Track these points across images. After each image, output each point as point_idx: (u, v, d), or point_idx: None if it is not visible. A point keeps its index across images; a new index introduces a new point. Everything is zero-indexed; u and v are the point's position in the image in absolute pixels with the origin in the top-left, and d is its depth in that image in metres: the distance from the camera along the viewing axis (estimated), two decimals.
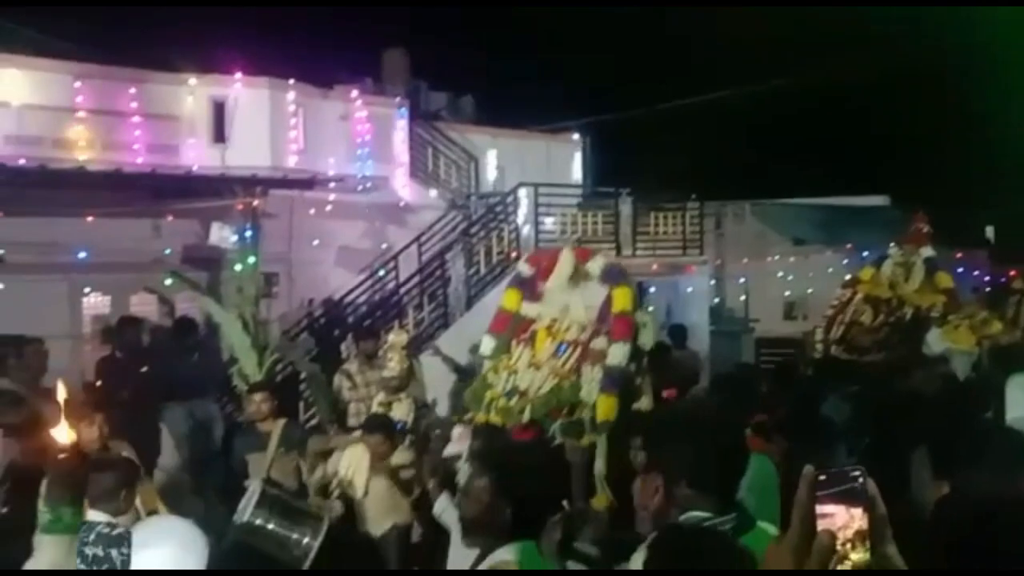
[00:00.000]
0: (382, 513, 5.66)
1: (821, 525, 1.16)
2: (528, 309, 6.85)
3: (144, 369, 7.63)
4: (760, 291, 15.90)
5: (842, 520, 1.15)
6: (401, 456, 5.78)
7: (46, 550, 2.39)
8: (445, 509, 4.65)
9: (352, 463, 5.65)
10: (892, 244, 10.27)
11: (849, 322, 9.81)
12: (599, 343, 6.33)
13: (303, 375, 9.01)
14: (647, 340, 6.63)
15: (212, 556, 3.97)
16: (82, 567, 3.74)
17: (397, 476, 5.61)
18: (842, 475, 1.18)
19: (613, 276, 6.61)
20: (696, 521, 2.45)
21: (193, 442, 7.43)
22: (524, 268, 7.17)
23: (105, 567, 3.59)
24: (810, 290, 16.35)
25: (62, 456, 2.44)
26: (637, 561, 2.49)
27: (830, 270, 16.17)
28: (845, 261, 16.29)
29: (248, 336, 8.33)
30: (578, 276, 6.68)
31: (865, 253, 15.82)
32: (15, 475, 4.96)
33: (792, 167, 18.98)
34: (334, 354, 10.33)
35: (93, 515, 3.94)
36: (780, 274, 16.33)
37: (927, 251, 9.89)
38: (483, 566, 2.69)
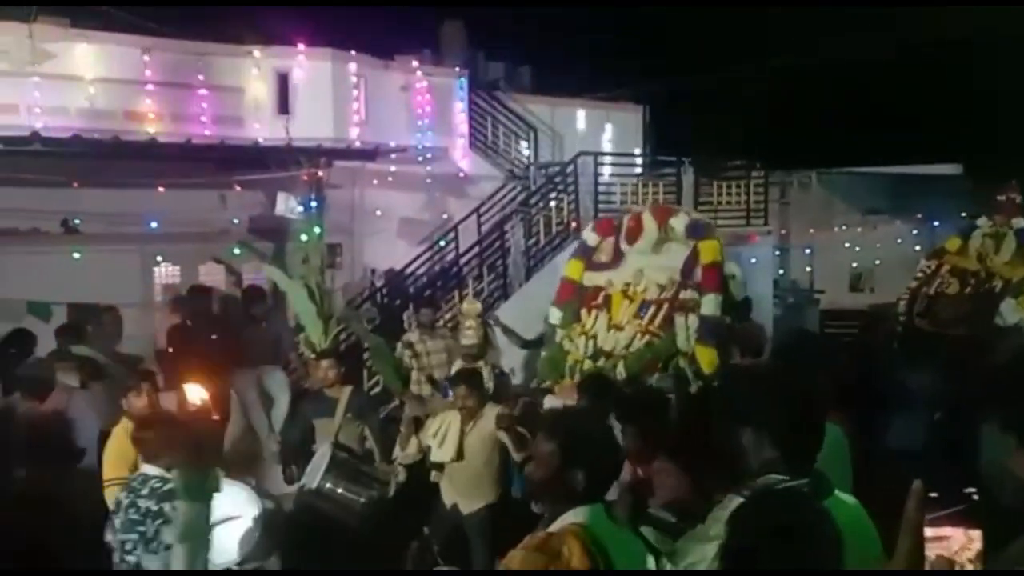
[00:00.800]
0: (475, 485, 5.54)
1: (936, 549, 1.12)
2: (594, 278, 6.87)
3: (213, 337, 7.81)
4: (826, 262, 15.58)
5: (959, 543, 1.10)
6: (491, 411, 5.62)
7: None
8: None
9: (442, 424, 5.59)
10: (982, 216, 9.92)
11: (934, 294, 9.56)
12: (688, 295, 6.35)
13: (366, 344, 9.13)
14: (737, 292, 6.61)
15: (276, 518, 4.09)
16: (136, 518, 3.89)
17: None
18: (956, 495, 1.14)
19: (699, 230, 6.61)
20: (774, 483, 2.42)
21: (261, 408, 7.59)
22: (590, 236, 7.18)
23: (159, 522, 3.72)
24: (877, 261, 15.97)
25: (193, 421, 2.42)
26: (716, 523, 2.48)
27: (899, 241, 15.77)
28: (915, 232, 15.85)
29: (314, 305, 8.42)
30: (661, 237, 6.64)
31: (936, 223, 15.37)
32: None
33: (861, 134, 18.42)
34: (396, 324, 10.46)
35: (147, 468, 4.07)
36: (847, 245, 15.97)
37: (1020, 222, 9.57)
38: (552, 529, 2.69)
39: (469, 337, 6.95)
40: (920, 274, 10.08)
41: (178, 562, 2.34)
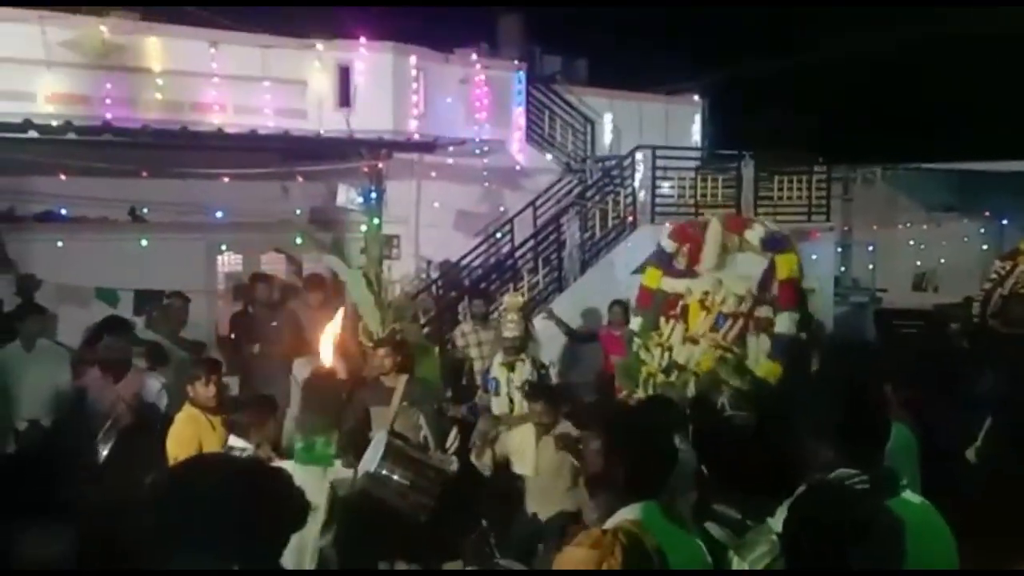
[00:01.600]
0: (549, 496, 5.60)
1: None
2: (673, 285, 6.71)
3: (275, 324, 7.96)
4: (889, 260, 15.23)
5: None
6: (564, 426, 5.67)
7: (297, 480, 2.43)
8: None
9: (522, 439, 5.67)
10: None
11: (1008, 294, 9.34)
12: (763, 311, 6.17)
13: (409, 340, 9.20)
14: (817, 307, 6.42)
15: (335, 503, 4.16)
16: None
17: (572, 448, 5.35)
18: None
19: (776, 243, 6.39)
20: (842, 477, 2.40)
21: None
22: (667, 243, 7.00)
23: None
24: (942, 260, 15.56)
25: (319, 387, 2.45)
26: (778, 521, 2.46)
27: (965, 239, 15.34)
28: (982, 230, 15.40)
29: (372, 295, 8.55)
30: (730, 247, 6.49)
31: (1004, 221, 14.90)
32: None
33: (927, 129, 17.93)
34: (451, 315, 10.54)
35: (233, 441, 4.21)
36: (911, 243, 15.59)
37: None
38: (606, 526, 2.69)
39: (511, 330, 6.96)
40: (994, 275, 9.83)
41: None
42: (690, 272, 6.68)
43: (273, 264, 10.74)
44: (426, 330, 9.72)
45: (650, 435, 2.79)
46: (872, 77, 18.54)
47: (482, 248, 12.12)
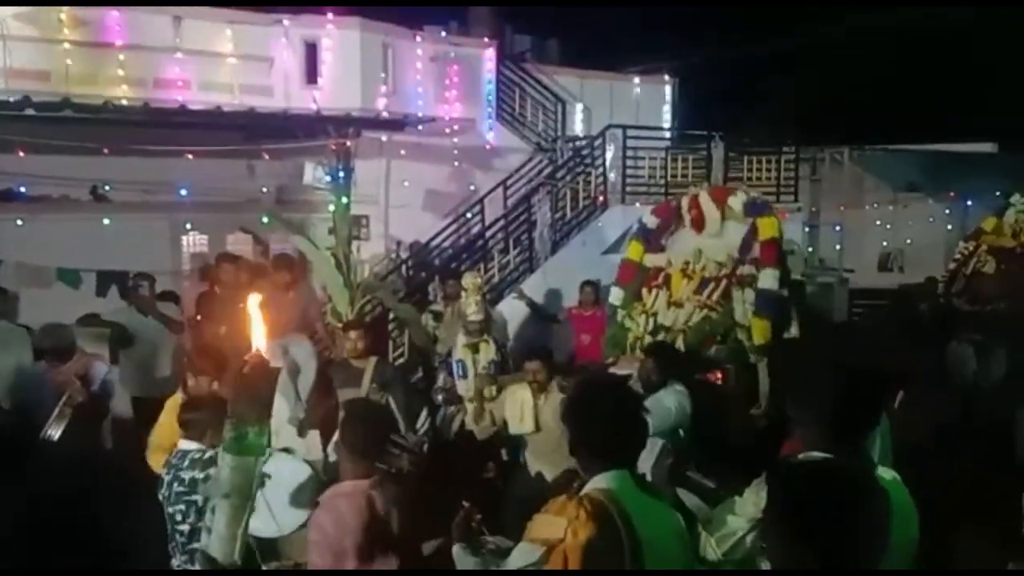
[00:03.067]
0: (556, 451, 5.46)
1: None
2: (654, 259, 7.03)
3: (242, 305, 7.84)
4: (856, 240, 15.37)
5: None
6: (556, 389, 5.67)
7: (228, 471, 2.37)
8: None
9: (517, 398, 5.65)
10: (1015, 192, 9.88)
11: (972, 273, 9.59)
12: (746, 269, 6.50)
13: (392, 315, 9.15)
14: (794, 267, 6.73)
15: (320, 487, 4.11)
16: (182, 490, 3.95)
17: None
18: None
19: (757, 208, 6.76)
20: (819, 460, 2.40)
21: (289, 377, 7.61)
22: (649, 220, 7.32)
23: (208, 484, 3.76)
24: (909, 240, 15.74)
25: (250, 375, 2.38)
26: (756, 495, 2.46)
27: (931, 220, 15.52)
28: (947, 211, 15.59)
29: (340, 276, 8.46)
30: (720, 217, 6.83)
31: (969, 202, 15.10)
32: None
33: (895, 111, 18.09)
34: (422, 295, 10.47)
35: (184, 444, 4.15)
36: (877, 223, 15.74)
37: None
38: (582, 493, 2.70)
39: (474, 312, 6.91)
40: (959, 255, 10.10)
41: (222, 518, 2.33)
42: (671, 245, 7.05)
43: (239, 244, 10.58)
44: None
45: (623, 406, 2.77)
46: (841, 59, 18.64)
47: (452, 228, 12.03)
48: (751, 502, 2.54)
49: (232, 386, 2.40)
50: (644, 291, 6.90)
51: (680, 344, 6.34)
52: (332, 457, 6.50)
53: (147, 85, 9.69)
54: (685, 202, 7.04)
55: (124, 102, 9.23)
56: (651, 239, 7.16)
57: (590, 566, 2.51)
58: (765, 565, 2.45)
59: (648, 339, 6.47)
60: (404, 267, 11.52)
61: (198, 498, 3.86)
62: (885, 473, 2.53)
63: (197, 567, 2.99)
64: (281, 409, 7.44)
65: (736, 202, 6.77)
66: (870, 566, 1.95)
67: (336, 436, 4.68)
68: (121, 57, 9.60)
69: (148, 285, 7.78)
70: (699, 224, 6.91)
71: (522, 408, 5.63)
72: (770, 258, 6.46)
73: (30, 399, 5.91)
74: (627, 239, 7.74)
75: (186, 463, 4.03)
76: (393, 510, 3.67)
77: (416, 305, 9.79)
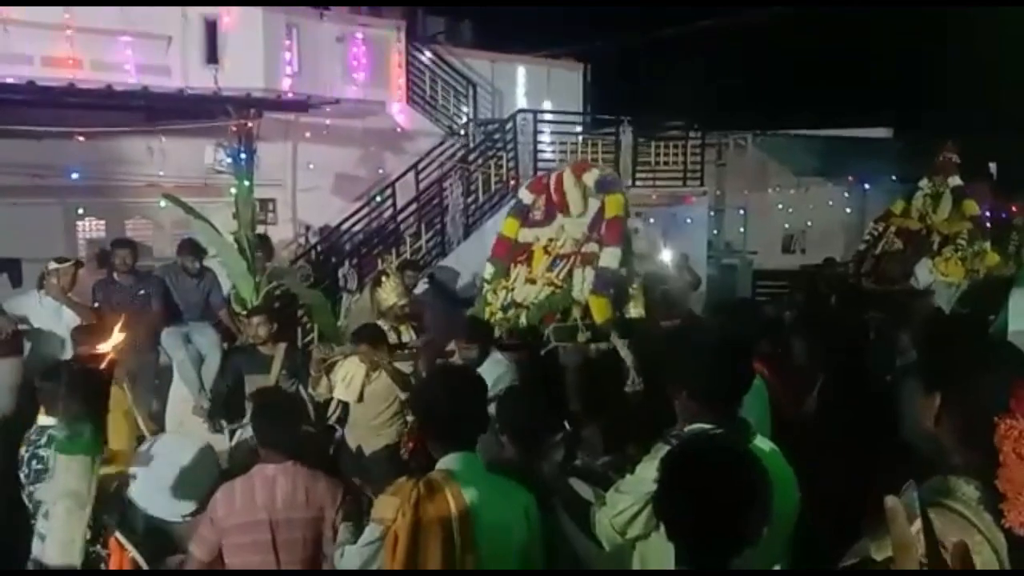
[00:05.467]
0: (373, 426, 5.67)
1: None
2: (527, 235, 7.01)
3: (141, 292, 7.58)
4: (759, 223, 15.85)
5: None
6: (401, 366, 5.75)
7: (63, 472, 2.22)
8: None
9: (349, 370, 5.70)
10: (923, 177, 10.37)
11: (880, 254, 10.06)
12: (590, 247, 6.51)
13: (301, 301, 9.00)
14: (639, 246, 6.81)
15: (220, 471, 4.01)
16: (40, 468, 3.79)
17: (393, 367, 5.57)
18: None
19: (606, 185, 6.73)
20: (700, 432, 2.48)
21: (192, 365, 7.42)
22: (525, 195, 7.29)
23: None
24: (809, 223, 16.32)
25: (81, 372, 2.23)
26: (646, 471, 2.52)
27: (830, 203, 16.12)
28: (846, 194, 16.22)
29: (244, 261, 8.26)
30: (581, 193, 6.80)
31: (866, 186, 15.75)
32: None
33: (795, 98, 18.68)
34: (331, 281, 10.31)
35: (43, 419, 3.96)
36: (780, 206, 16.26)
37: (955, 180, 10.10)
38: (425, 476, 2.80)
39: (396, 296, 6.88)
40: (868, 237, 10.59)
41: (57, 524, 2.20)
42: (544, 221, 6.99)
43: (139, 230, 10.20)
44: None
45: (458, 390, 2.88)
46: (743, 48, 19.13)
47: (363, 212, 11.86)
48: (646, 477, 2.58)
49: (64, 385, 2.24)
50: (512, 267, 6.91)
51: (523, 320, 6.38)
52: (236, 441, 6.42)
53: (34, 62, 9.20)
54: (552, 180, 7.02)
55: (9, 80, 8.74)
56: (526, 214, 7.14)
57: (417, 544, 2.63)
58: (660, 539, 2.51)
59: (500, 315, 6.53)
60: (314, 252, 11.32)
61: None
62: (763, 444, 2.63)
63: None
64: (184, 398, 7.30)
65: (589, 178, 6.77)
66: (755, 534, 2.02)
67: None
68: (7, 32, 9.09)
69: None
70: (562, 206, 6.88)
71: (352, 378, 5.68)
72: (613, 236, 6.47)
73: None
74: (504, 214, 7.71)
75: (43, 439, 3.84)
76: (298, 494, 3.63)
77: (326, 291, 9.65)
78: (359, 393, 5.67)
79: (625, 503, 2.59)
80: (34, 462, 3.80)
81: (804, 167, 16.13)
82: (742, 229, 15.82)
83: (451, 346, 5.68)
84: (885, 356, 5.31)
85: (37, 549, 2.30)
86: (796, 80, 20.11)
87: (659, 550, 2.51)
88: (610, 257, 6.38)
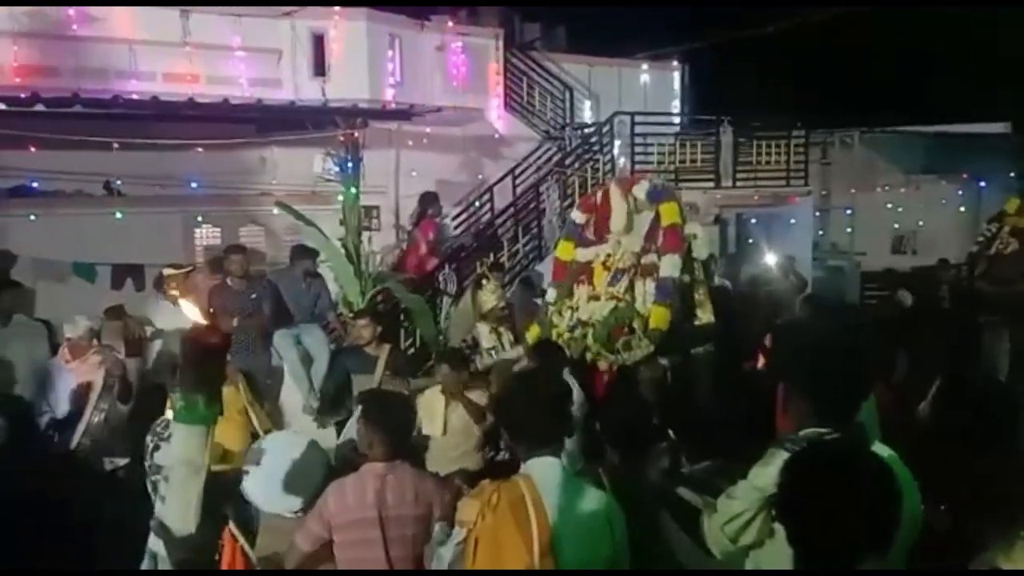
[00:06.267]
0: (451, 455, 5.63)
1: None
2: (585, 254, 6.94)
3: (253, 296, 7.93)
4: (867, 223, 15.31)
5: None
6: (472, 391, 5.78)
7: (180, 441, 2.39)
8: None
9: (430, 402, 5.72)
10: None
11: (994, 255, 9.57)
12: (649, 259, 6.42)
13: (402, 305, 9.23)
14: (700, 252, 6.62)
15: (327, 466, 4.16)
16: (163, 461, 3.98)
17: (466, 398, 5.59)
18: None
19: (658, 194, 6.63)
20: (815, 436, 2.44)
21: (302, 365, 7.70)
22: (577, 215, 7.22)
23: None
24: (921, 223, 15.66)
25: (197, 341, 2.38)
26: (760, 476, 2.49)
27: (943, 201, 15.42)
28: (960, 192, 15.49)
29: (351, 265, 8.54)
30: (633, 210, 6.68)
31: (982, 183, 14.99)
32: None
33: (905, 93, 17.95)
34: (432, 285, 10.52)
35: (170, 414, 4.15)
36: (889, 206, 15.66)
37: None
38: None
39: (488, 301, 7.01)
40: (981, 238, 10.08)
41: (175, 487, 2.36)
42: (599, 240, 6.89)
43: (252, 236, 10.66)
44: None
45: (536, 394, 2.87)
46: (849, 40, 18.48)
47: (462, 218, 12.06)
48: (760, 483, 2.54)
49: (181, 354, 2.39)
50: (574, 287, 6.83)
51: (591, 339, 6.27)
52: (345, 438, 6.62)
53: (156, 79, 9.75)
54: (599, 198, 6.93)
55: (134, 96, 9.29)
56: (580, 234, 7.07)
57: (496, 549, 2.62)
58: (775, 547, 2.49)
59: (567, 335, 6.44)
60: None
61: None
62: (881, 449, 2.56)
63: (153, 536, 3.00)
64: (294, 397, 7.59)
65: (640, 191, 6.65)
66: (887, 540, 1.98)
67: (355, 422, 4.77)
68: (130, 52, 9.67)
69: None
70: (605, 209, 6.79)
71: (433, 411, 5.66)
72: (672, 245, 6.36)
73: (47, 393, 6.01)
74: (559, 238, 7.56)
75: (167, 432, 4.02)
76: (407, 492, 3.73)
77: (427, 295, 9.88)
78: (443, 426, 5.66)
79: (738, 509, 2.55)
80: (156, 453, 3.98)
81: (914, 165, 15.49)
82: (849, 229, 15.31)
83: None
84: (1002, 360, 5.09)
85: (159, 509, 2.48)
86: (904, 74, 19.32)
87: (774, 557, 2.47)
88: (670, 266, 6.28)
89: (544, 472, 2.73)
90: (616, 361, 6.03)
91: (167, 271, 7.60)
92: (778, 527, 2.45)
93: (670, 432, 3.88)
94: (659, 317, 6.13)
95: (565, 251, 7.12)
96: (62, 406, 5.87)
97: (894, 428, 4.00)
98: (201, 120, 9.76)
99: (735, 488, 2.65)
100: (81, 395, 5.84)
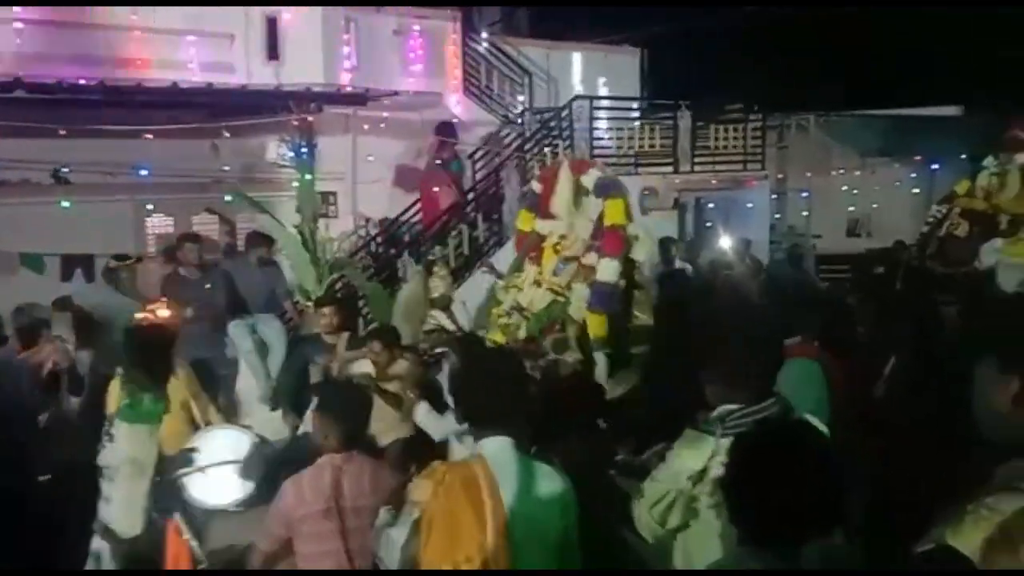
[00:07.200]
0: (386, 424, 5.57)
1: None
2: (542, 226, 6.71)
3: (207, 286, 7.79)
4: (823, 207, 15.50)
5: None
6: (400, 366, 5.75)
7: (124, 439, 2.33)
8: (424, 418, 4.90)
9: (362, 372, 5.73)
10: (988, 155, 9.98)
11: (945, 236, 9.72)
12: (590, 259, 6.18)
13: (361, 292, 9.14)
14: (640, 255, 6.36)
15: (275, 460, 4.10)
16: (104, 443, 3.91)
17: (379, 389, 5.51)
18: None
19: (605, 188, 6.33)
20: (725, 413, 2.48)
21: (258, 355, 7.59)
22: (536, 185, 7.02)
23: None
24: (875, 205, 15.89)
25: (142, 339, 2.32)
26: (679, 458, 2.50)
27: (897, 184, 15.66)
28: (913, 175, 15.74)
29: (307, 253, 8.43)
30: (579, 191, 6.51)
31: (935, 166, 15.24)
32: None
33: (860, 77, 18.20)
34: (390, 272, 10.44)
35: None
36: (844, 189, 15.87)
37: (1023, 158, 9.62)
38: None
39: (440, 287, 6.97)
40: (931, 218, 10.24)
41: (120, 487, 2.30)
42: (556, 215, 6.67)
43: (205, 225, 10.47)
44: None
45: (492, 375, 2.86)
46: (804, 26, 18.66)
47: (421, 204, 11.96)
48: (680, 464, 2.55)
49: (126, 352, 2.32)
50: (526, 262, 6.59)
51: (523, 331, 6.11)
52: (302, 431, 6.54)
53: (104, 64, 9.50)
54: (553, 172, 6.74)
55: (81, 81, 9.05)
56: (539, 205, 6.80)
57: (450, 529, 2.62)
58: (700, 527, 2.51)
59: (505, 318, 6.29)
60: (373, 243, 11.46)
61: None
62: (815, 422, 2.57)
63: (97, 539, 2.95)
64: (250, 388, 7.48)
65: (588, 180, 6.40)
66: (833, 516, 2.00)
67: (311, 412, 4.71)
68: (77, 36, 9.40)
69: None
70: (552, 186, 6.56)
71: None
72: (611, 248, 6.05)
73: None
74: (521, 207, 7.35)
75: (113, 430, 3.96)
76: (365, 483, 3.69)
77: (384, 282, 9.79)
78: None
79: (662, 491, 2.57)
80: (105, 438, 3.93)
81: (869, 148, 15.69)
82: (805, 213, 15.49)
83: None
84: (953, 338, 5.18)
85: (104, 511, 2.41)
86: (860, 58, 19.57)
87: (701, 539, 2.50)
88: (608, 270, 6.00)
89: (497, 452, 2.73)
90: (544, 356, 5.81)
91: (112, 262, 7.42)
92: (702, 508, 2.50)
93: (600, 422, 3.90)
94: (596, 324, 5.92)
95: (525, 221, 6.93)
96: (12, 398, 5.72)
97: (853, 406, 4.06)
98: (151, 106, 9.53)
99: (658, 471, 2.67)
100: (33, 387, 5.70)
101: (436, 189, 11.02)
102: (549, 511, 2.75)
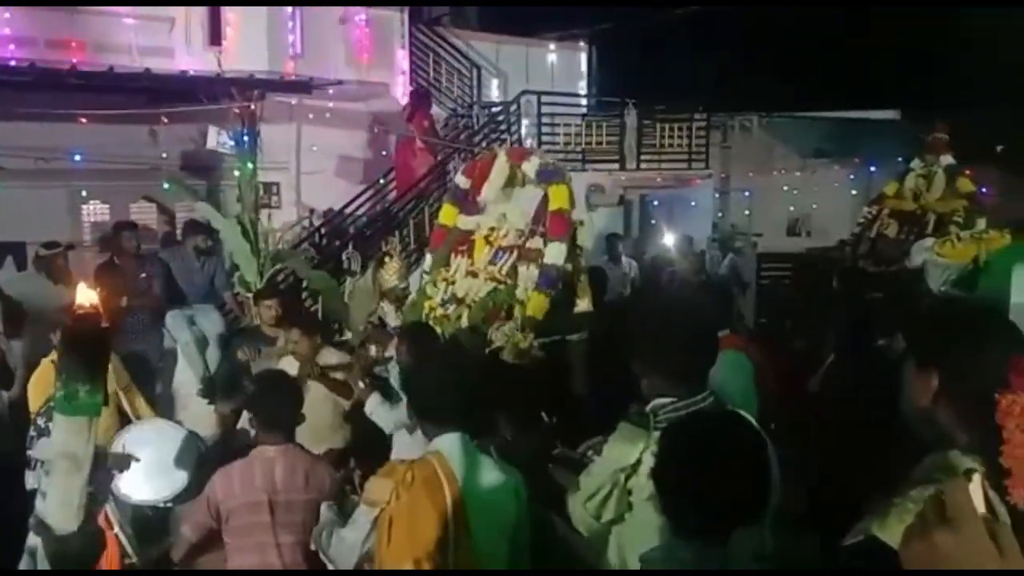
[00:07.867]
0: (317, 435, 5.25)
1: None
2: (466, 222, 6.62)
3: (144, 275, 7.61)
4: (765, 206, 15.78)
5: None
6: (328, 356, 5.64)
7: (60, 432, 2.25)
8: (375, 409, 4.74)
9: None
10: (915, 157, 10.30)
11: (875, 236, 10.01)
12: (535, 243, 6.15)
13: (305, 283, 9.01)
14: (584, 240, 6.44)
15: (209, 459, 4.03)
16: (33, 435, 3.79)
17: (328, 378, 5.39)
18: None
19: (549, 174, 6.30)
20: (658, 407, 2.52)
21: (196, 347, 7.43)
22: (461, 180, 6.89)
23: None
24: (815, 205, 16.24)
25: (78, 328, 2.23)
26: (613, 451, 2.53)
27: (836, 185, 16.03)
28: (851, 176, 16.13)
29: (248, 243, 8.27)
30: (515, 180, 6.44)
31: (872, 168, 15.64)
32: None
33: (802, 79, 18.53)
34: (334, 264, 10.30)
35: None
36: (785, 189, 16.18)
37: (947, 159, 9.98)
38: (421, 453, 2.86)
39: (396, 279, 6.89)
40: (862, 219, 10.51)
41: (56, 482, 2.23)
42: (482, 208, 6.59)
43: (143, 213, 10.20)
44: None
45: (447, 373, 2.92)
46: (750, 29, 18.98)
47: (367, 195, 11.83)
48: (614, 457, 2.57)
49: (61, 342, 2.24)
50: (452, 256, 6.50)
51: (464, 320, 6.02)
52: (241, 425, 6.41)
53: (38, 45, 9.18)
54: (484, 163, 6.64)
55: (11, 63, 8.73)
56: (464, 201, 6.70)
57: (411, 526, 2.65)
58: (635, 521, 2.54)
59: (440, 310, 6.17)
60: (317, 235, 11.30)
61: None
62: (745, 416, 2.62)
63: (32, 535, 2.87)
64: (188, 380, 7.32)
65: (530, 167, 6.35)
66: (763, 505, 2.04)
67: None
68: (8, 16, 9.07)
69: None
70: (485, 174, 6.49)
71: None
72: (558, 231, 6.04)
73: None
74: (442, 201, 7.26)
75: (48, 423, 3.88)
76: (297, 477, 3.64)
77: (330, 273, 9.65)
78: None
79: (595, 485, 2.58)
80: (36, 445, 3.83)
81: (810, 149, 16.03)
82: (747, 212, 15.76)
83: (390, 351, 5.36)
84: (885, 337, 5.32)
85: (40, 506, 2.34)
86: (802, 61, 19.94)
87: (635, 532, 2.52)
88: (555, 252, 5.98)
89: (452, 447, 2.78)
90: (489, 346, 5.72)
91: (42, 250, 7.19)
92: (636, 501, 2.52)
93: (543, 415, 3.92)
94: (537, 305, 5.87)
95: (447, 216, 6.76)
96: None
97: (788, 401, 4.14)
98: (87, 90, 9.25)
99: (592, 465, 2.70)
100: None
101: (413, 155, 10.89)
102: (505, 499, 2.84)
